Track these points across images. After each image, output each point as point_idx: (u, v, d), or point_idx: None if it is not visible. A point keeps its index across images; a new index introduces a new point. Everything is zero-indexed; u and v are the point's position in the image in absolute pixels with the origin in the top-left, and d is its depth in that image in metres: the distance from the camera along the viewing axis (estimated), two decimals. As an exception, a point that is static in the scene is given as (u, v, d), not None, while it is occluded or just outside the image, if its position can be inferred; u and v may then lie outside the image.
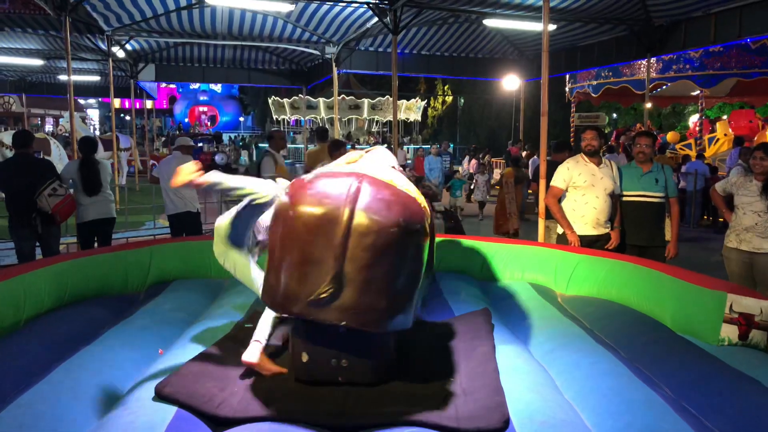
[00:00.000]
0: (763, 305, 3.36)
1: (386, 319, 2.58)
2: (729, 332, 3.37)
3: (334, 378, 2.76)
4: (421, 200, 2.81)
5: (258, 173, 7.01)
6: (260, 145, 29.97)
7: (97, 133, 27.04)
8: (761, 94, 16.84)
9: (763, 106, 18.32)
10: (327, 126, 21.30)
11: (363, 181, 2.59)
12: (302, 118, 23.67)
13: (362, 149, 3.56)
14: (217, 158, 19.39)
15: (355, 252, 2.45)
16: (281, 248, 2.59)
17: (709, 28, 9.65)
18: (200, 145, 21.14)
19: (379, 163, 3.22)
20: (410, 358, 3.10)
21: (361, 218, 2.47)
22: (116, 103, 33.30)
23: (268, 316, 3.06)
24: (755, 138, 14.55)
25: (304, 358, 2.79)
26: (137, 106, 26.30)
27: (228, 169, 19.24)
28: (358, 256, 2.45)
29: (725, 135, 15.92)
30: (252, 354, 2.90)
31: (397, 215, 2.51)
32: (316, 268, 2.48)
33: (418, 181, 3.95)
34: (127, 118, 40.53)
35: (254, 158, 29.51)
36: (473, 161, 15.04)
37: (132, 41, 13.15)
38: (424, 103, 28.05)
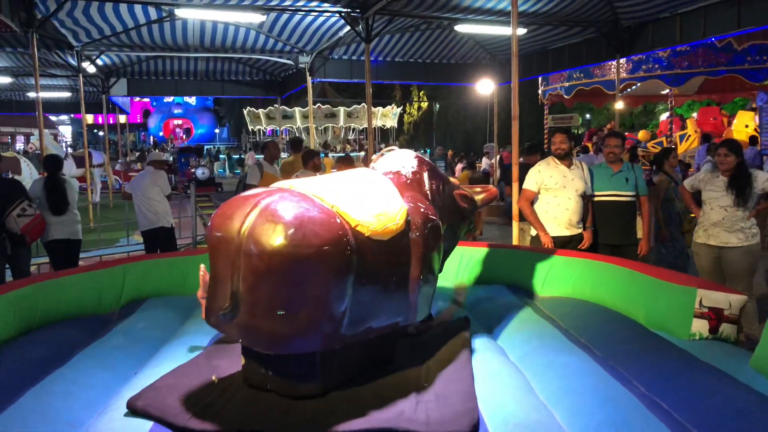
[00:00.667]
0: (732, 299, 3.42)
1: (278, 341, 2.54)
2: (700, 327, 3.42)
3: (264, 385, 2.80)
4: (352, 220, 2.68)
5: (245, 183, 7.12)
6: (233, 156, 29.82)
7: (70, 150, 26.63)
8: (728, 91, 17.20)
9: (730, 102, 18.70)
10: (303, 135, 21.30)
11: (260, 203, 2.57)
12: (278, 128, 23.61)
13: (338, 156, 3.58)
14: (199, 173, 19.01)
15: (245, 273, 2.48)
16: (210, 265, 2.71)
17: (675, 28, 9.83)
18: (185, 159, 20.74)
19: (382, 167, 3.29)
20: (386, 365, 3.11)
21: (247, 239, 2.47)
22: (89, 118, 32.92)
23: None
24: (723, 134, 14.83)
25: (242, 361, 2.89)
26: (110, 122, 26.03)
27: (211, 182, 19.06)
28: (246, 277, 2.48)
29: (696, 132, 16.22)
30: None
31: (283, 240, 2.42)
32: (222, 286, 2.57)
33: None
34: (101, 133, 40.14)
35: (226, 169, 29.36)
36: (459, 166, 15.03)
37: (103, 56, 13.03)
38: (399, 109, 28.17)
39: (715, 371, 2.90)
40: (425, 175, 3.40)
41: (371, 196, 2.89)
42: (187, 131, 43.37)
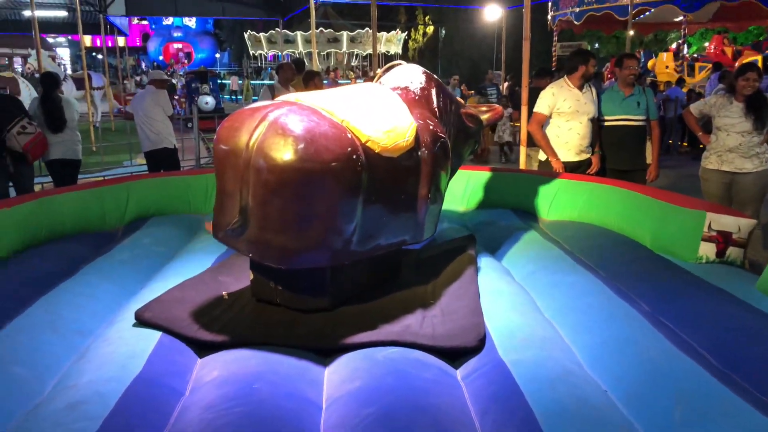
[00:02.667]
0: (741, 223, 3.40)
1: (288, 256, 2.52)
2: (707, 250, 3.41)
3: (273, 299, 2.81)
4: (362, 136, 2.61)
5: None
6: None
7: (69, 71, 26.11)
8: (743, 19, 16.60)
9: (744, 31, 18.13)
10: (306, 60, 20.83)
11: (269, 113, 2.48)
12: (280, 53, 23.07)
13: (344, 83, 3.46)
14: (202, 102, 17.12)
15: (255, 188, 2.43)
16: (216, 178, 2.67)
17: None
18: (194, 85, 19.48)
19: (389, 82, 3.22)
20: (394, 281, 3.12)
21: (256, 153, 2.40)
22: (87, 40, 32.10)
23: None
24: (736, 63, 14.45)
25: (251, 275, 2.89)
26: (109, 44, 25.42)
27: (219, 112, 18.30)
28: (257, 192, 2.43)
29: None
30: None
31: (294, 154, 2.36)
32: (230, 200, 2.52)
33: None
34: (99, 57, 39.27)
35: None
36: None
37: (98, -28, 12.57)
38: (404, 35, 27.43)
39: (721, 292, 2.91)
40: (433, 91, 3.30)
41: (381, 111, 2.81)
42: (188, 55, 42.45)
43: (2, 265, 3.38)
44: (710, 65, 15.40)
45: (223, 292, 2.98)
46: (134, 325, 2.61)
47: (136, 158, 9.64)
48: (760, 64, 14.37)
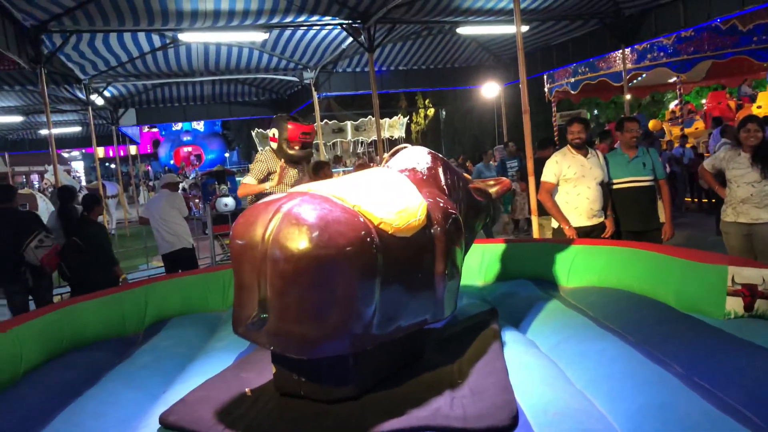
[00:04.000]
0: (765, 274, 3.34)
1: (309, 345, 2.49)
2: (734, 305, 3.34)
3: (297, 392, 2.76)
4: (374, 218, 2.63)
5: None
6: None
7: (83, 183, 26.90)
8: (736, 74, 16.99)
9: (740, 85, 18.48)
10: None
11: (283, 205, 2.53)
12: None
13: (348, 171, 3.55)
14: (221, 204, 15.94)
15: (272, 279, 2.44)
16: (234, 273, 2.69)
17: (678, 13, 9.75)
18: (210, 186, 18.68)
19: (396, 165, 3.29)
20: (417, 364, 3.06)
21: (272, 245, 2.43)
22: (100, 151, 33.24)
23: None
24: (736, 117, 14.65)
25: (273, 369, 2.86)
26: (121, 154, 26.31)
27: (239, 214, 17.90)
28: (274, 283, 2.44)
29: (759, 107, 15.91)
30: None
31: (309, 242, 2.38)
32: (249, 294, 2.54)
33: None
34: (113, 166, 40.53)
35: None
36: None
37: (110, 87, 13.18)
38: (406, 119, 28.19)
39: (755, 347, 2.82)
40: (440, 170, 3.36)
41: (390, 193, 2.86)
42: (198, 157, 43.69)
43: (26, 377, 3.37)
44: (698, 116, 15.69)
45: (246, 389, 2.94)
46: (159, 430, 2.56)
47: (152, 261, 9.75)
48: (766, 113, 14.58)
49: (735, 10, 9.09)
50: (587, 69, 16.13)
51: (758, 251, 4.50)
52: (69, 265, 5.89)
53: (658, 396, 2.42)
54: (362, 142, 25.75)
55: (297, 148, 4.63)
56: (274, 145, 4.70)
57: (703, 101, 18.82)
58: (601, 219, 4.94)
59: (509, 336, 3.41)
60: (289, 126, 4.60)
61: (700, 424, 2.16)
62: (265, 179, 4.72)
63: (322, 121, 16.66)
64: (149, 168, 43.82)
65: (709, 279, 3.45)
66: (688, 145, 13.20)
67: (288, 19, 9.51)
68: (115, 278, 6.06)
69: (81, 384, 3.21)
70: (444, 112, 35.85)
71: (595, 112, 28.55)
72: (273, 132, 4.69)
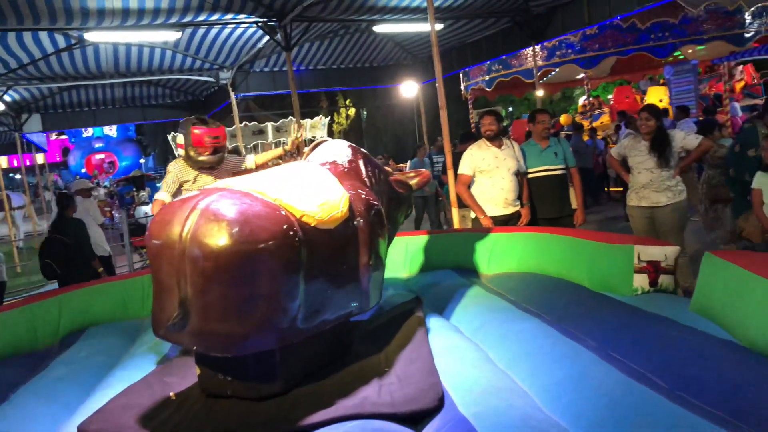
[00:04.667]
0: (667, 251, 3.58)
1: (234, 343, 2.46)
2: (641, 281, 3.55)
3: (224, 391, 2.72)
4: (296, 211, 2.62)
5: None
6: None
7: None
8: (637, 69, 18.04)
9: (641, 80, 19.60)
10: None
11: (200, 202, 2.49)
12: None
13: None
14: (141, 212, 14.20)
15: (193, 277, 2.40)
16: (152, 275, 2.63)
17: (582, 11, 10.23)
18: (128, 194, 17.45)
19: (317, 158, 3.28)
20: (345, 354, 3.08)
21: (191, 242, 2.39)
22: (2, 161, 31.23)
23: None
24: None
25: (198, 370, 2.81)
26: (27, 163, 24.84)
27: None
28: (194, 281, 2.40)
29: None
30: None
31: (229, 238, 2.35)
32: (168, 295, 2.48)
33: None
34: (18, 176, 38.22)
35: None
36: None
37: (11, 91, 12.41)
38: (328, 119, 28.13)
39: (660, 318, 3.02)
40: (361, 162, 3.39)
41: (311, 186, 2.86)
42: (111, 164, 41.91)
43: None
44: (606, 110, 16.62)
45: (171, 393, 2.86)
46: (78, 442, 2.46)
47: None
48: (664, 93, 15.55)
49: (633, 8, 9.64)
50: (501, 67, 16.65)
51: (660, 232, 4.80)
52: (57, 263, 5.84)
53: (574, 369, 2.55)
54: (284, 143, 25.47)
55: (207, 153, 4.16)
56: (182, 152, 4.23)
57: (610, 96, 19.84)
58: (517, 208, 5.12)
59: (434, 322, 3.49)
60: (195, 130, 4.12)
61: (613, 391, 2.29)
62: (178, 191, 4.26)
63: (241, 122, 16.38)
64: (57, 177, 41.64)
65: (617, 258, 3.65)
66: (599, 136, 13.88)
67: (201, 18, 9.28)
68: (96, 272, 6.00)
69: (-11, 402, 3.03)
70: (365, 112, 36.02)
71: (510, 108, 29.48)
72: (179, 138, 4.22)
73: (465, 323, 3.53)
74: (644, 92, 17.34)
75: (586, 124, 16.44)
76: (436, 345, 3.08)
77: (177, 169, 4.27)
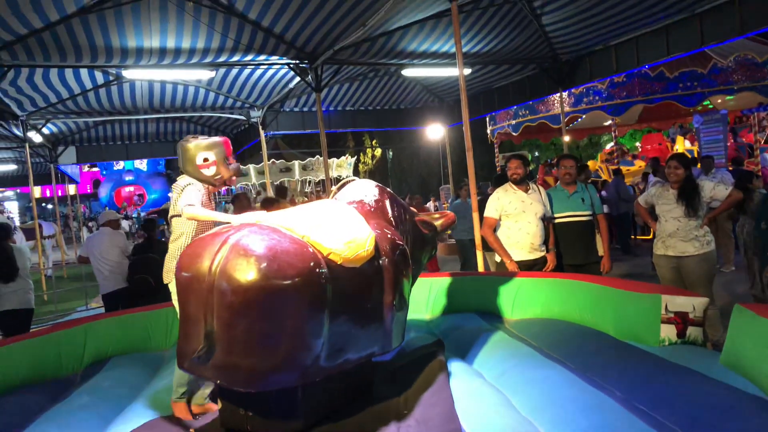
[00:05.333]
0: (695, 302, 3.52)
1: (257, 378, 2.47)
2: (668, 332, 3.49)
3: (244, 427, 2.72)
4: (324, 249, 2.66)
5: None
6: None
7: (17, 224, 25.82)
8: (665, 118, 18.01)
9: (669, 128, 19.55)
10: (260, 191, 21.22)
11: (230, 237, 2.53)
12: (233, 187, 23.49)
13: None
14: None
15: (219, 311, 2.42)
16: (179, 307, 2.66)
17: (611, 59, 10.31)
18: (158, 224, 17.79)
19: (344, 197, 3.33)
20: (365, 396, 3.06)
21: (220, 276, 2.42)
22: (36, 191, 32.00)
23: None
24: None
25: (219, 405, 2.83)
26: (59, 194, 25.47)
27: None
28: (221, 315, 2.42)
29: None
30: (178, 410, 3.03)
31: (257, 273, 2.38)
32: (194, 327, 2.51)
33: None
34: (50, 206, 39.16)
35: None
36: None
37: (49, 124, 12.82)
38: (354, 159, 28.44)
39: (688, 371, 2.96)
40: (387, 202, 3.42)
41: (339, 224, 2.89)
42: (140, 197, 42.69)
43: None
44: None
45: (191, 429, 2.86)
46: (97, 472, 2.46)
47: (91, 303, 9.40)
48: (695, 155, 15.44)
49: (662, 57, 9.68)
50: (527, 111, 16.75)
51: (687, 282, 4.72)
52: (155, 279, 5.84)
53: (599, 419, 2.50)
54: (310, 182, 25.76)
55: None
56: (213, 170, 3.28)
57: (637, 144, 19.76)
58: (543, 253, 5.09)
59: (456, 367, 3.45)
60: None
61: (638, 445, 2.24)
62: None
63: (269, 160, 16.64)
64: (85, 208, 42.54)
65: (644, 308, 3.60)
66: (627, 182, 13.77)
67: (235, 58, 9.56)
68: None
69: (12, 428, 3.05)
70: (391, 152, 36.35)
71: (536, 153, 29.51)
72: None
73: (487, 368, 3.48)
74: (673, 140, 17.26)
75: (624, 169, 16.33)
76: (458, 389, 3.05)
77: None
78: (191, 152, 3.21)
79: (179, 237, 3.20)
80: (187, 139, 3.26)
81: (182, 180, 3.25)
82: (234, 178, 3.33)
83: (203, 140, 3.26)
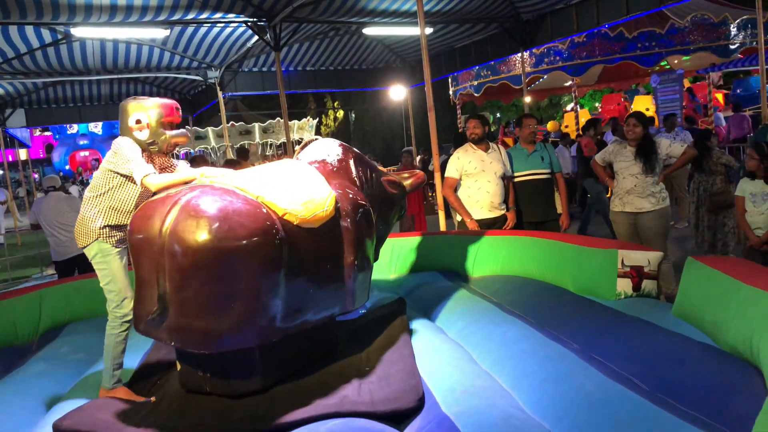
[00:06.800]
0: (650, 256, 3.61)
1: (211, 340, 2.45)
2: (624, 286, 3.58)
3: (203, 388, 2.71)
4: (279, 209, 2.61)
5: None
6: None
7: (-35, 190, 24.88)
8: (624, 78, 18.21)
9: (628, 89, 19.80)
10: (217, 155, 20.86)
11: (181, 198, 2.48)
12: (192, 150, 23.01)
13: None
14: None
15: (171, 273, 2.40)
16: (133, 270, 2.61)
17: (571, 18, 10.33)
18: None
19: (306, 157, 3.26)
20: (328, 355, 3.07)
21: (170, 238, 2.38)
22: (-14, 156, 30.79)
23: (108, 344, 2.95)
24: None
25: (178, 366, 2.83)
26: (9, 158, 24.59)
27: None
28: (173, 277, 2.40)
29: (566, 127, 17.41)
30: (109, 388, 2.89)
31: (208, 234, 2.34)
32: (148, 289, 2.48)
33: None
34: (0, 172, 37.80)
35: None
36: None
37: (-5, 86, 12.30)
38: (316, 121, 28.11)
39: (642, 322, 3.05)
40: (351, 162, 3.38)
41: (297, 184, 2.84)
42: (97, 161, 41.49)
43: None
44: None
45: (151, 398, 2.84)
46: (53, 439, 2.43)
47: (47, 270, 9.17)
48: (650, 103, 15.73)
49: (621, 16, 9.74)
50: (489, 72, 16.72)
51: (643, 238, 4.83)
52: None
53: (557, 371, 2.56)
54: (271, 144, 25.40)
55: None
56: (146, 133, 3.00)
57: (597, 104, 19.99)
58: (503, 211, 5.13)
59: (418, 324, 3.49)
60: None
61: (594, 393, 2.30)
62: None
63: (228, 122, 16.31)
64: (35, 174, 41.24)
65: (601, 263, 3.68)
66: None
67: (190, 16, 9.23)
68: None
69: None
70: (353, 114, 36.04)
71: (498, 114, 29.62)
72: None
73: (449, 325, 3.53)
74: (631, 101, 17.52)
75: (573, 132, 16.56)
76: (420, 346, 3.09)
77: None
78: (127, 112, 2.94)
79: (97, 196, 2.93)
80: (127, 99, 3.01)
81: (119, 139, 2.95)
82: (172, 143, 3.00)
83: (142, 100, 3.00)
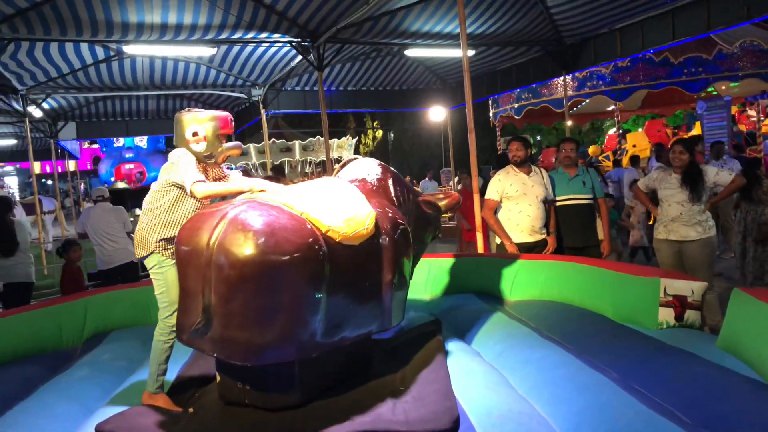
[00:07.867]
0: (694, 286, 3.53)
1: (253, 352, 2.48)
2: (666, 315, 3.50)
3: (242, 400, 2.74)
4: (322, 226, 2.65)
5: None
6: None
7: (17, 198, 25.79)
8: (669, 104, 17.91)
9: (672, 115, 19.47)
10: (260, 171, 21.20)
11: (229, 212, 2.53)
12: (233, 165, 23.43)
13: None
14: None
15: (217, 285, 2.44)
16: (179, 281, 2.68)
17: (615, 43, 10.23)
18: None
19: (347, 175, 3.31)
20: (363, 372, 3.08)
21: (217, 250, 2.43)
22: (36, 166, 31.90)
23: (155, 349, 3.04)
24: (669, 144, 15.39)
25: (218, 378, 2.85)
26: (59, 169, 25.41)
27: None
28: (219, 289, 2.44)
29: (633, 146, 16.94)
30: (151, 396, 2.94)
31: (254, 248, 2.39)
32: (193, 300, 2.53)
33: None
34: (50, 182, 39.11)
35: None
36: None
37: (49, 99, 12.75)
38: (355, 140, 28.35)
39: (685, 353, 2.97)
40: (390, 182, 3.42)
41: (339, 202, 2.88)
42: (141, 174, 42.61)
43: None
44: (631, 150, 16.46)
45: (189, 409, 2.88)
46: (95, 441, 2.49)
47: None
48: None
49: (667, 41, 9.60)
50: (530, 95, 16.65)
51: (687, 267, 4.72)
52: None
53: (595, 399, 2.52)
54: (310, 162, 25.70)
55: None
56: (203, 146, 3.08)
57: (640, 129, 19.69)
58: (543, 235, 5.09)
59: (454, 346, 3.47)
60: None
61: (634, 424, 2.26)
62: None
63: (269, 139, 16.58)
64: (81, 185, 42.52)
65: (643, 291, 3.61)
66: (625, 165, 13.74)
67: (237, 35, 9.48)
68: None
69: (12, 398, 3.08)
70: (392, 134, 36.25)
71: (538, 137, 29.42)
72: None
73: (485, 348, 3.50)
74: (677, 128, 17.17)
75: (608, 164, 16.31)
76: (456, 368, 3.06)
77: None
78: (183, 125, 3.04)
79: (155, 209, 3.00)
80: (182, 112, 3.13)
81: (176, 151, 3.06)
82: (225, 155, 3.09)
83: (198, 113, 3.11)
